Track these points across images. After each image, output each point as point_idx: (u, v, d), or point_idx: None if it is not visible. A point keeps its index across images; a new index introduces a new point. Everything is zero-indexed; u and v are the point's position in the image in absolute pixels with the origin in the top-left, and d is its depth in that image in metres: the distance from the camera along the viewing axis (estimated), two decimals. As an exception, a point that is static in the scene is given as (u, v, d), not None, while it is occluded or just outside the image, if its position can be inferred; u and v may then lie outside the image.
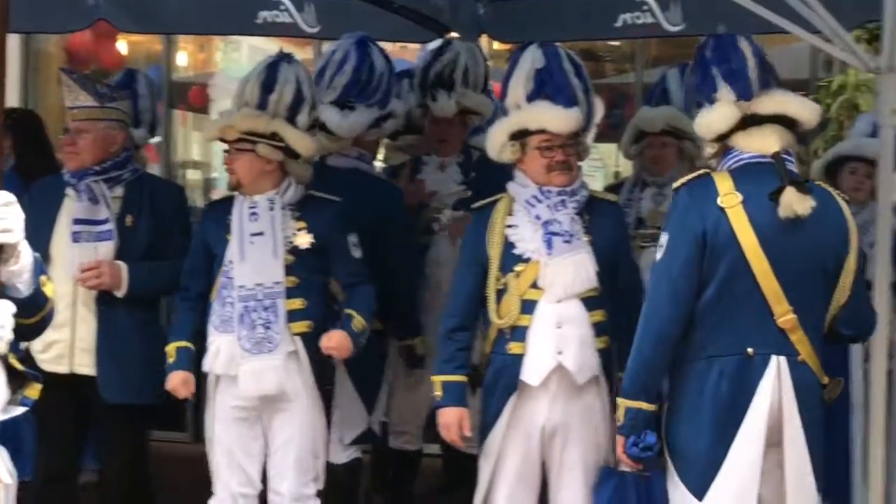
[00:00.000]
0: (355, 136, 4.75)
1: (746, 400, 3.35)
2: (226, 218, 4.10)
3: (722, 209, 3.37)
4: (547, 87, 3.82)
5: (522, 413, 3.79)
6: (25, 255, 2.76)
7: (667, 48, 8.55)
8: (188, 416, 6.63)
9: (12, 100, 6.70)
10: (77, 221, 4.34)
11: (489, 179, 4.00)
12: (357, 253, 4.17)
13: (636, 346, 3.45)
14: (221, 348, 4.06)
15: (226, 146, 4.12)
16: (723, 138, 3.49)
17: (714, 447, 3.36)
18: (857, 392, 4.70)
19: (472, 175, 4.87)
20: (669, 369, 3.46)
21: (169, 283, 4.48)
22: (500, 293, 3.81)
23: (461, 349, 3.87)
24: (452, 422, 3.84)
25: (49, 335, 3.65)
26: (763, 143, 3.43)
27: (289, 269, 4.04)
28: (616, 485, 3.78)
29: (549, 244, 3.78)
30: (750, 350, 3.36)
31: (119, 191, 4.42)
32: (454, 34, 5.50)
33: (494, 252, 3.83)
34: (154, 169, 7.76)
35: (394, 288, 4.52)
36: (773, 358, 3.36)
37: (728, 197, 3.38)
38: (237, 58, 9.75)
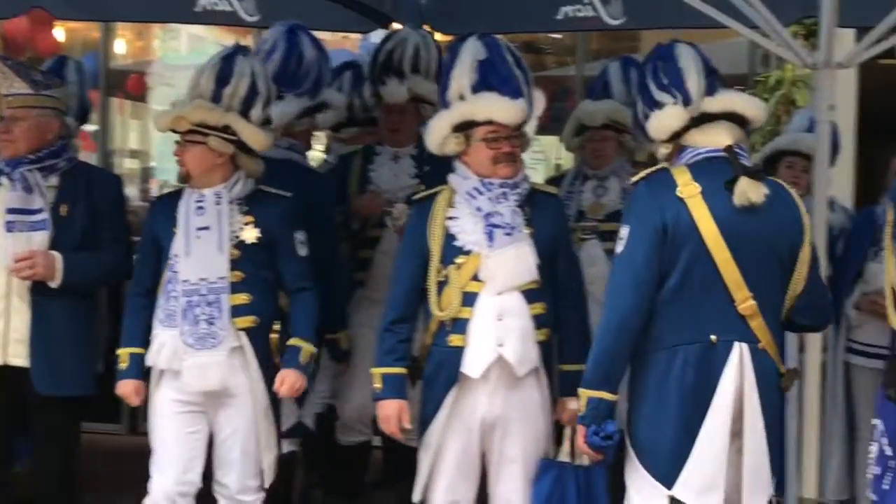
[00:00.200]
0: (284, 126, 4.67)
1: (711, 387, 3.39)
2: (174, 211, 4.06)
3: (681, 200, 3.43)
4: (491, 78, 3.82)
5: (463, 405, 3.79)
6: None
7: (608, 42, 8.60)
8: (124, 408, 6.56)
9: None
10: (10, 211, 4.28)
11: (443, 173, 3.96)
12: (303, 251, 4.14)
13: (598, 336, 3.49)
14: (165, 343, 4.02)
15: (177, 137, 4.08)
16: (676, 137, 3.55)
17: (681, 435, 3.39)
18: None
19: (425, 169, 4.76)
20: (631, 360, 3.49)
21: (105, 274, 4.43)
22: (441, 285, 3.81)
23: (401, 341, 3.86)
24: (392, 414, 3.83)
25: (-18, 326, 3.59)
26: (715, 138, 3.51)
27: (234, 264, 4.01)
28: (555, 477, 3.81)
29: (490, 236, 3.78)
30: (713, 337, 3.41)
31: (54, 180, 4.35)
32: (396, 25, 5.48)
33: (435, 244, 3.82)
34: (90, 158, 7.66)
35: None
36: (736, 344, 3.42)
37: (687, 188, 3.44)
38: (176, 46, 9.65)
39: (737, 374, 3.41)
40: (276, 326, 4.10)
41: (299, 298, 4.13)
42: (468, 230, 3.82)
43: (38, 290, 4.27)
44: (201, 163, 4.03)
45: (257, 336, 4.04)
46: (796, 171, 4.92)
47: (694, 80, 3.52)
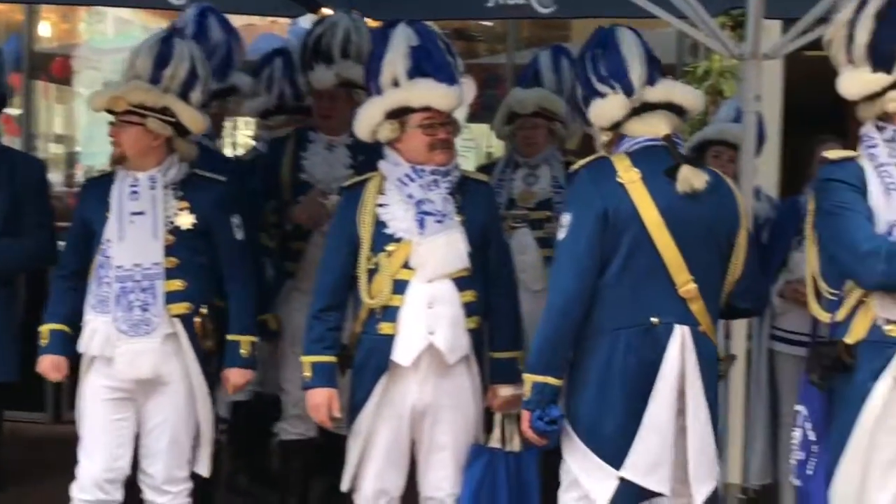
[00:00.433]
0: None
1: (654, 368, 3.43)
2: (106, 195, 4.00)
3: (622, 186, 3.46)
4: (426, 64, 3.79)
5: (393, 393, 3.79)
6: None
7: (538, 30, 8.64)
8: (48, 396, 6.46)
9: None
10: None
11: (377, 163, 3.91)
12: (240, 234, 4.11)
13: (541, 322, 3.50)
14: (98, 329, 3.97)
15: (107, 121, 4.01)
16: (616, 126, 3.58)
17: (627, 417, 3.43)
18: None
19: (359, 159, 4.68)
20: (574, 345, 3.51)
21: (28, 260, 4.36)
22: (371, 273, 3.79)
23: (330, 329, 3.83)
24: (322, 402, 3.81)
25: None
26: (654, 127, 3.55)
27: (169, 250, 3.96)
28: (486, 463, 3.82)
29: (421, 224, 3.77)
30: (654, 319, 3.45)
31: (-26, 165, 4.27)
32: (325, 10, 5.43)
33: (365, 231, 3.81)
34: (14, 142, 7.53)
35: None
36: (677, 327, 3.46)
37: (627, 174, 3.48)
38: (102, 29, 9.50)
39: (679, 355, 3.45)
40: (204, 310, 4.05)
41: (235, 288, 4.11)
42: (399, 217, 3.81)
43: (-41, 277, 4.21)
44: (137, 144, 3.97)
45: (192, 322, 4.00)
46: (723, 160, 4.98)
47: (636, 71, 3.55)
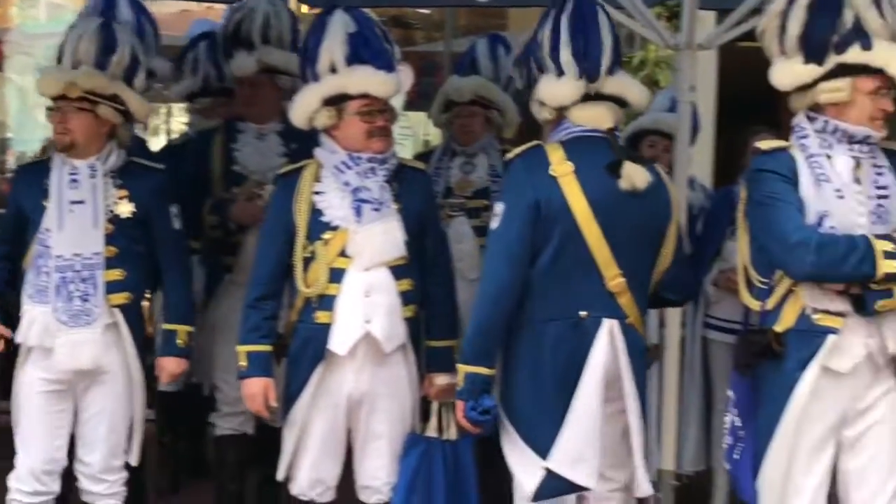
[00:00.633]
0: None
1: (582, 361, 3.45)
2: (43, 182, 3.94)
3: (554, 178, 3.46)
4: (364, 51, 3.77)
5: (329, 382, 3.78)
6: None
7: (476, 18, 8.65)
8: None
9: None
10: None
11: (313, 150, 3.86)
12: (177, 224, 4.08)
13: (473, 312, 3.51)
14: (36, 319, 3.92)
15: (42, 106, 3.95)
16: (562, 109, 3.56)
17: (555, 408, 3.44)
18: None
19: (293, 146, 4.55)
20: (507, 334, 3.52)
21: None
22: (308, 261, 3.77)
23: (266, 318, 3.82)
24: (257, 392, 3.80)
25: None
26: (599, 118, 3.55)
27: (109, 239, 3.93)
28: (422, 451, 3.83)
29: (358, 212, 3.76)
30: (583, 313, 3.47)
31: None
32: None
33: (301, 219, 3.78)
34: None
35: None
36: (605, 321, 3.48)
37: (560, 167, 3.47)
38: (35, 14, 9.36)
39: (607, 349, 3.47)
40: (148, 295, 4.01)
41: (173, 278, 4.08)
42: (335, 205, 3.79)
43: None
44: (87, 131, 3.92)
45: (131, 312, 3.98)
46: (658, 150, 5.01)
47: (607, 59, 3.53)
